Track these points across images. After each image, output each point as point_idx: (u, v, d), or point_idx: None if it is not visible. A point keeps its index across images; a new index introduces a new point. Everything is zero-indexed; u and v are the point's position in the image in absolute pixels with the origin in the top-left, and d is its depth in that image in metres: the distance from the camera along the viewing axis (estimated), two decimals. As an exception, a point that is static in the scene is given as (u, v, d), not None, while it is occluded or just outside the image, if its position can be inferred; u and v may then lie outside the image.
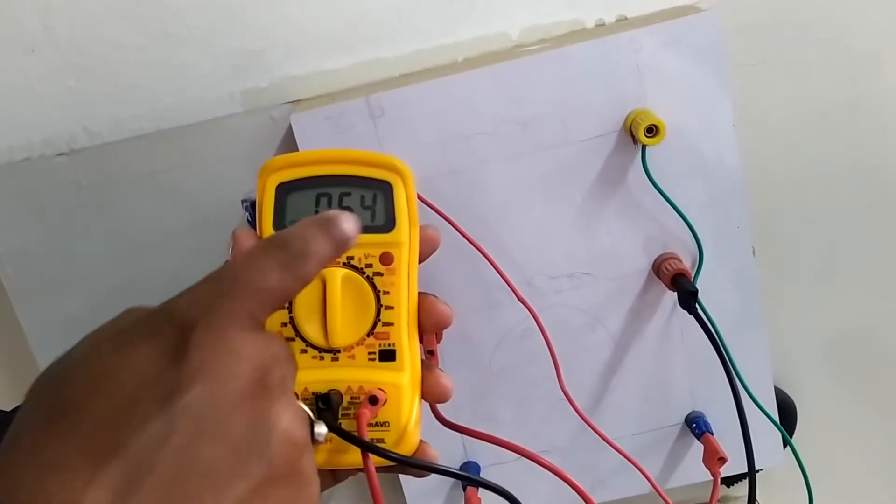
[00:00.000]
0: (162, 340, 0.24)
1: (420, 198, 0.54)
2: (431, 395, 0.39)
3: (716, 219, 0.57)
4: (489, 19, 0.58)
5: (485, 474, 0.62)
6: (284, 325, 0.38)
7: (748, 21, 0.58)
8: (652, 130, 0.53)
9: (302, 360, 0.37)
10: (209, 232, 0.60)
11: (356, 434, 0.35)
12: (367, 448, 0.35)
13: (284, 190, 0.38)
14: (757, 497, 0.69)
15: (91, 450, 0.21)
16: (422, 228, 0.39)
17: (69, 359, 0.24)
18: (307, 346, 0.37)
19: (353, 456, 0.36)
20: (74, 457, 0.21)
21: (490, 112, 0.54)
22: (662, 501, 0.58)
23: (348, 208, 0.37)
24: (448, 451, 0.61)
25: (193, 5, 0.56)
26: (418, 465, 0.37)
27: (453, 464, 0.62)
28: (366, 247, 0.37)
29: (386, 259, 0.38)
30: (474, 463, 0.62)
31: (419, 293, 0.39)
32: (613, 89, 0.54)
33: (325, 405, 0.36)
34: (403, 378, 0.37)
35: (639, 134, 0.53)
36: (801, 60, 0.60)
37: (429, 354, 0.55)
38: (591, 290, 0.58)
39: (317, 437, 0.32)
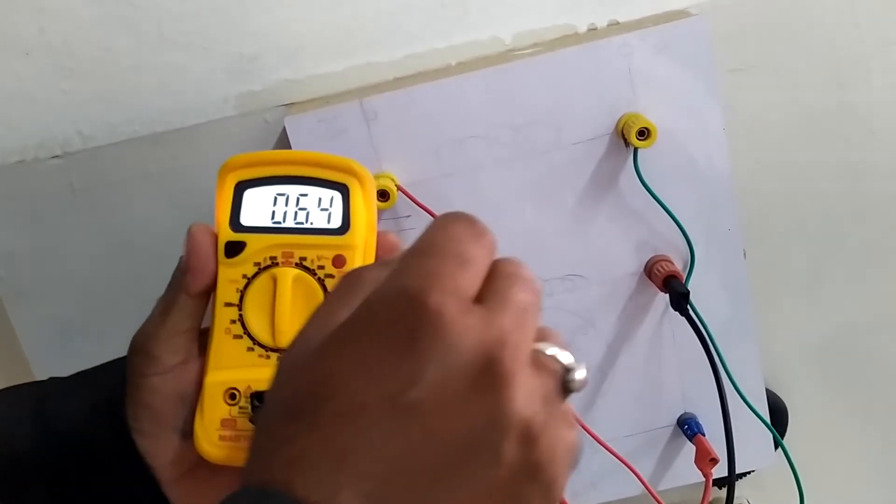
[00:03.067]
0: (394, 332, 0.23)
1: (413, 200, 0.54)
2: None
3: (707, 221, 0.57)
4: (482, 24, 0.58)
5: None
6: (233, 321, 0.37)
7: (738, 26, 0.59)
8: (644, 133, 0.53)
9: (248, 357, 0.37)
10: (203, 235, 0.60)
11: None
12: None
13: (242, 188, 0.38)
14: (748, 498, 0.69)
15: (330, 451, 0.22)
16: (381, 234, 0.39)
17: (303, 353, 0.25)
18: (254, 343, 0.37)
19: None
20: (317, 456, 0.22)
21: (483, 116, 0.55)
22: (655, 503, 0.59)
23: (304, 209, 0.38)
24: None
25: (187, 9, 0.57)
26: None
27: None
28: (319, 248, 0.37)
29: (338, 262, 0.37)
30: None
31: None
32: (605, 93, 0.55)
33: (260, 402, 0.36)
34: None
35: (631, 137, 0.53)
36: (790, 65, 0.60)
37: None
38: (584, 293, 0.59)
39: (574, 385, 0.26)
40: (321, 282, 0.37)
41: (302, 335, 0.26)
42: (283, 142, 0.56)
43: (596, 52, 0.54)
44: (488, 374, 0.23)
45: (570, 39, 0.58)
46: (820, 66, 0.60)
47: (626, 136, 0.54)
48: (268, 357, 0.37)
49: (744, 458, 0.63)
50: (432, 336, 0.23)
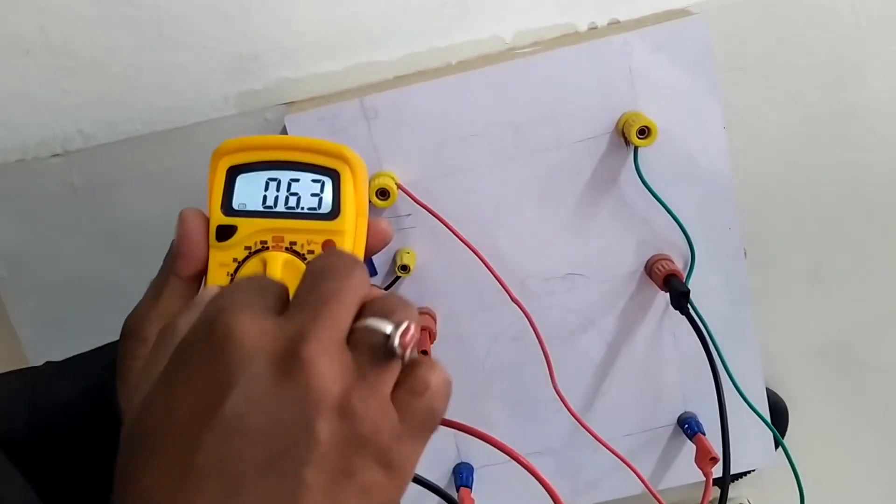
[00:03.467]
0: (201, 355, 0.26)
1: (414, 199, 0.54)
2: None
3: (707, 220, 0.57)
4: (483, 23, 0.58)
5: (478, 475, 0.62)
6: None
7: (738, 26, 0.59)
8: (644, 132, 0.53)
9: None
10: (203, 234, 0.60)
11: None
12: None
13: (234, 173, 0.38)
14: (749, 498, 0.69)
15: (172, 476, 0.24)
16: (374, 221, 0.39)
17: (142, 398, 0.27)
18: None
19: None
20: (164, 484, 0.24)
21: (483, 114, 0.55)
22: (655, 502, 0.59)
23: (296, 194, 0.38)
24: (441, 452, 0.61)
25: (188, 8, 0.57)
26: None
27: (446, 465, 0.62)
28: (309, 233, 0.37)
29: (328, 246, 0.37)
30: (468, 464, 0.62)
31: None
32: (605, 92, 0.55)
33: None
34: None
35: (631, 136, 0.53)
36: (790, 65, 0.60)
37: (422, 354, 0.56)
38: (584, 292, 0.59)
39: (394, 349, 0.26)
40: None
41: (137, 389, 0.28)
42: (284, 140, 0.56)
43: (596, 51, 0.54)
44: (289, 367, 0.25)
45: (571, 38, 0.58)
46: (820, 66, 0.61)
47: (626, 135, 0.54)
48: None
49: (744, 458, 0.64)
50: (230, 349, 0.25)
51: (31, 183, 0.59)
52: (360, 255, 0.39)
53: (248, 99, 0.59)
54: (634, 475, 0.59)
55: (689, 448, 0.61)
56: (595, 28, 0.59)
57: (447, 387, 0.27)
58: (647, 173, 0.55)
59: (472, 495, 0.60)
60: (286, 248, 0.37)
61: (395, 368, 0.26)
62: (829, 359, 0.67)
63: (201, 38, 0.57)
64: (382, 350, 0.26)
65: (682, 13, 0.56)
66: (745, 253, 0.59)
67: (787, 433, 0.66)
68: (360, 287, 0.28)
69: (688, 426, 0.61)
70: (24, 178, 0.59)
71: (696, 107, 0.55)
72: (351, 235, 0.38)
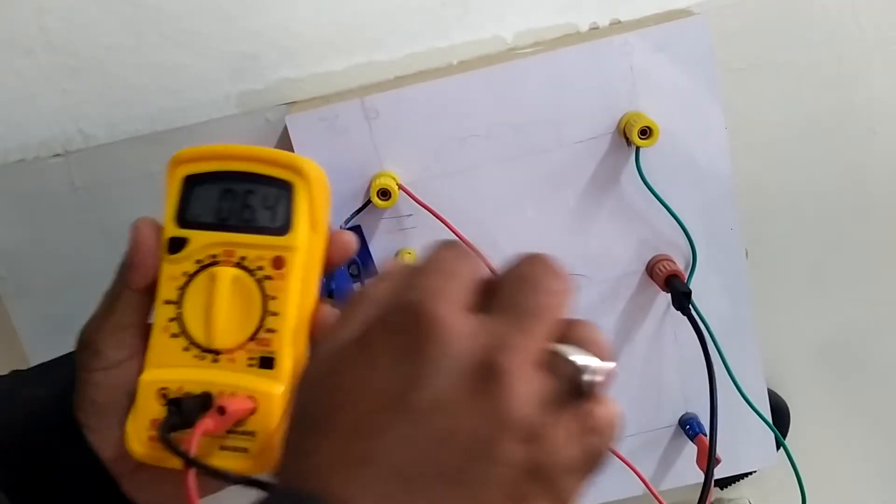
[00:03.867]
0: (398, 342, 0.25)
1: (415, 199, 0.54)
2: None
3: (709, 221, 0.57)
4: (483, 23, 0.58)
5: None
6: (172, 319, 0.37)
7: (739, 26, 0.59)
8: (646, 132, 0.53)
9: (183, 357, 0.36)
10: (204, 234, 0.60)
11: (180, 447, 0.34)
12: (186, 460, 0.33)
13: (191, 183, 0.37)
14: (750, 499, 0.69)
15: (347, 459, 0.24)
16: (336, 235, 0.38)
17: (317, 368, 0.27)
18: (190, 343, 0.36)
19: (176, 462, 0.34)
20: (336, 464, 0.24)
21: (484, 114, 0.55)
22: (656, 503, 0.59)
23: (250, 206, 0.36)
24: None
25: (189, 8, 0.57)
26: (238, 481, 0.34)
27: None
28: (260, 248, 0.36)
29: (278, 263, 0.36)
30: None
31: (321, 302, 0.37)
32: (606, 92, 0.55)
33: (177, 408, 0.35)
34: (278, 388, 0.36)
35: (632, 136, 0.53)
36: (792, 65, 0.60)
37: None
38: (585, 292, 0.59)
39: (584, 386, 0.25)
40: (259, 283, 0.36)
41: (315, 351, 0.28)
42: (285, 140, 0.56)
43: (597, 51, 0.54)
44: (486, 376, 0.24)
45: (572, 38, 0.58)
46: (821, 66, 0.60)
47: (627, 135, 0.54)
48: (202, 358, 0.36)
49: (746, 459, 0.63)
50: (433, 343, 0.24)
51: (32, 183, 0.59)
52: (316, 270, 0.37)
53: (248, 99, 0.59)
54: (636, 476, 0.59)
55: (691, 449, 0.61)
56: (596, 28, 0.59)
57: (620, 426, 0.26)
58: (648, 173, 0.55)
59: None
60: (236, 264, 0.36)
61: (585, 405, 0.25)
62: (830, 359, 0.67)
63: (202, 37, 0.57)
64: (579, 386, 0.25)
65: (684, 13, 0.56)
66: (746, 253, 0.59)
67: (789, 434, 0.66)
68: (566, 309, 0.27)
69: (689, 427, 0.61)
70: (25, 178, 0.59)
71: (697, 107, 0.55)
72: (303, 252, 0.36)
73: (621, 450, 0.59)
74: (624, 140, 0.55)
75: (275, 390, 0.36)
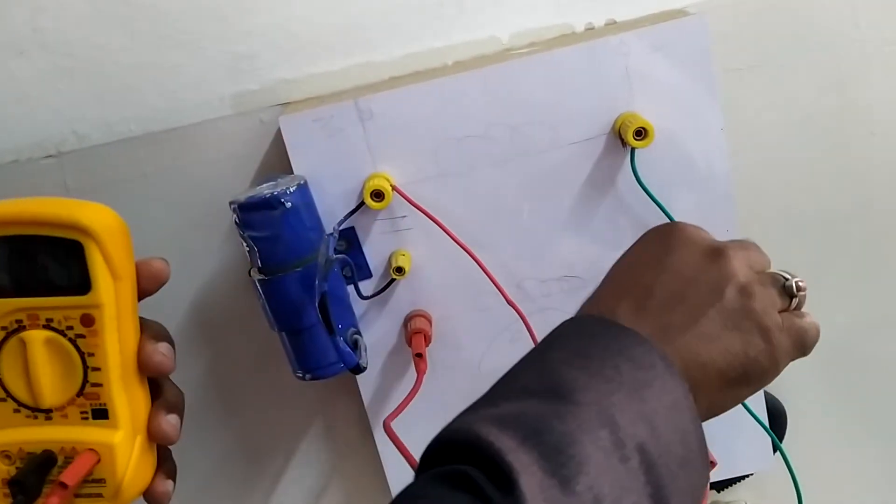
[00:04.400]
0: (655, 239, 0.40)
1: (409, 200, 0.54)
2: (154, 439, 0.39)
3: (705, 222, 0.56)
4: (479, 23, 0.58)
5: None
6: None
7: (737, 26, 0.58)
8: (641, 133, 0.53)
9: (16, 418, 0.37)
10: (199, 234, 0.60)
11: None
12: None
13: None
14: (747, 501, 0.69)
15: (620, 290, 0.37)
16: (144, 263, 0.38)
17: (616, 262, 0.41)
18: (19, 405, 0.37)
19: None
20: (614, 293, 0.37)
21: (480, 115, 0.54)
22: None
23: (44, 268, 0.36)
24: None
25: (183, 8, 0.56)
26: None
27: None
28: (64, 309, 0.36)
29: (87, 321, 0.36)
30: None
31: (143, 338, 0.38)
32: (602, 92, 0.54)
33: (19, 488, 0.36)
34: (117, 436, 0.37)
35: (628, 137, 0.53)
36: (789, 65, 0.60)
37: (417, 357, 0.55)
38: (581, 294, 0.58)
39: (793, 290, 0.38)
40: (73, 342, 0.37)
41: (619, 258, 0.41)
42: (279, 141, 0.56)
43: (593, 51, 0.54)
44: (718, 255, 0.37)
45: (568, 39, 0.57)
46: (819, 66, 0.60)
47: (622, 136, 0.54)
48: (35, 417, 0.37)
49: (742, 462, 0.63)
50: (680, 232, 0.39)
51: (25, 184, 0.59)
52: (129, 313, 0.37)
53: (244, 99, 0.58)
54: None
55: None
56: (592, 28, 0.58)
57: (818, 330, 0.38)
58: (644, 175, 0.55)
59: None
60: (44, 326, 0.36)
61: (786, 302, 0.37)
62: (828, 362, 0.67)
63: (197, 37, 0.57)
64: (783, 286, 0.37)
65: (680, 13, 0.56)
66: (743, 255, 0.58)
67: (786, 436, 0.66)
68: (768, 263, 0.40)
69: (685, 430, 0.60)
70: (18, 179, 0.59)
71: (693, 107, 0.55)
72: (111, 306, 0.36)
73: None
74: (619, 141, 0.55)
75: (114, 438, 0.37)
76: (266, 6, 0.57)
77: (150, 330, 0.39)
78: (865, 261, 0.65)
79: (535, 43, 0.58)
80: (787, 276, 0.38)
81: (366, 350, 0.55)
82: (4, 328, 0.37)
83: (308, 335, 0.52)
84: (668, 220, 0.56)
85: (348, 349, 0.51)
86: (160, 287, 0.39)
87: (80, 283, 0.36)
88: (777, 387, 0.67)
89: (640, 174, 0.54)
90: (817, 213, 0.63)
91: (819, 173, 0.62)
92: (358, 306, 0.57)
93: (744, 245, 0.39)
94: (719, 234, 0.57)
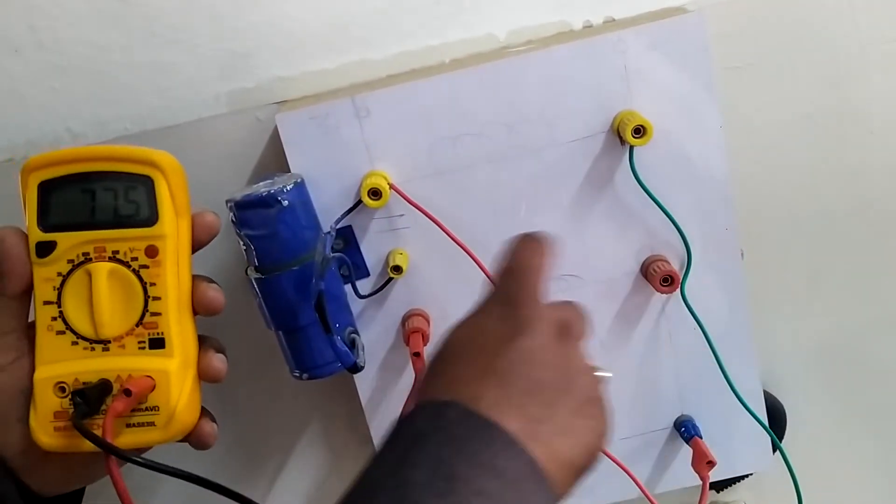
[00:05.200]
0: (500, 313, 0.37)
1: (406, 198, 0.54)
2: (204, 376, 0.41)
3: (704, 221, 0.57)
4: (476, 21, 0.58)
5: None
6: (55, 318, 0.39)
7: (735, 24, 0.58)
8: (639, 131, 0.52)
9: (73, 351, 0.39)
10: (194, 234, 0.60)
11: (96, 433, 0.37)
12: (102, 446, 0.37)
13: (47, 188, 0.39)
14: (746, 501, 0.69)
15: (475, 373, 0.34)
16: (198, 215, 0.41)
17: (451, 331, 0.37)
18: (78, 338, 0.39)
19: (88, 444, 0.38)
20: (470, 376, 0.34)
21: (477, 113, 0.54)
22: (651, 506, 0.58)
23: (112, 203, 0.39)
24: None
25: (179, 6, 0.56)
26: (146, 465, 0.38)
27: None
28: (131, 240, 0.39)
29: (151, 252, 0.39)
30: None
31: (195, 278, 0.41)
32: (600, 90, 0.54)
33: (83, 399, 0.38)
34: (172, 364, 0.39)
35: (626, 135, 0.52)
36: (788, 64, 0.60)
37: (415, 357, 0.55)
38: (579, 293, 0.58)
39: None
40: (136, 273, 0.39)
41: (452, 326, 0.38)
42: (276, 139, 0.56)
43: (591, 49, 0.53)
44: (566, 334, 0.37)
45: (565, 36, 0.57)
46: (818, 65, 0.60)
47: (621, 134, 0.53)
48: (92, 349, 0.39)
49: (742, 461, 0.63)
50: (528, 315, 0.36)
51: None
52: (186, 252, 0.40)
53: (239, 97, 0.58)
54: (631, 479, 0.59)
55: (686, 451, 0.61)
56: (590, 26, 0.58)
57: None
58: (642, 173, 0.54)
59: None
60: (109, 258, 0.39)
61: None
62: (827, 361, 0.67)
63: (192, 35, 0.57)
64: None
65: (678, 11, 0.56)
66: (742, 254, 0.58)
67: (785, 436, 0.65)
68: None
69: (684, 429, 0.60)
70: (14, 177, 0.58)
71: (692, 106, 0.55)
72: (173, 238, 0.39)
73: (616, 452, 0.59)
74: (618, 139, 0.55)
75: (170, 366, 0.39)
76: (261, 4, 0.56)
77: (201, 276, 0.42)
78: (864, 260, 0.65)
79: (532, 41, 0.58)
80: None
81: (363, 349, 0.55)
82: (71, 261, 0.39)
83: (305, 334, 0.52)
84: (668, 218, 0.55)
85: (345, 348, 0.51)
86: (211, 239, 0.41)
87: (148, 215, 0.39)
88: (776, 386, 0.66)
89: (638, 172, 0.54)
90: (816, 211, 0.63)
91: (817, 171, 0.62)
92: (355, 305, 0.57)
93: (580, 316, 0.39)
94: (719, 233, 0.58)
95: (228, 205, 0.52)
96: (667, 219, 0.55)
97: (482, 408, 0.32)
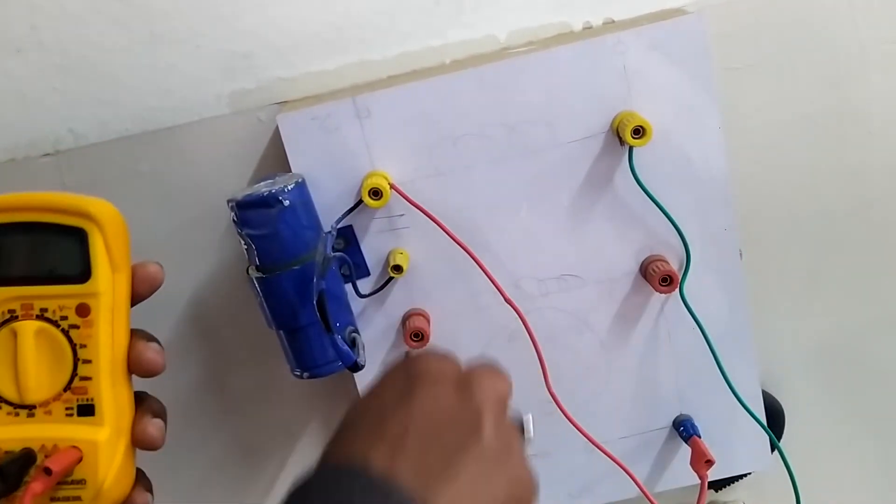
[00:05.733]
0: (397, 378, 0.36)
1: (406, 199, 0.54)
2: (139, 444, 0.38)
3: (703, 221, 0.57)
4: (477, 22, 0.58)
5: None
6: None
7: (735, 25, 0.58)
8: (639, 132, 0.53)
9: None
10: (196, 233, 0.60)
11: None
12: None
13: None
14: (745, 501, 0.69)
15: (370, 435, 0.33)
16: (139, 266, 0.38)
17: (355, 401, 0.37)
18: (1, 402, 0.36)
19: None
20: (364, 439, 0.33)
21: (477, 114, 0.54)
22: (650, 505, 0.58)
23: (41, 257, 0.36)
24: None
25: (180, 6, 0.56)
26: None
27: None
28: (61, 298, 0.36)
29: (83, 310, 0.36)
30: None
31: (133, 335, 0.38)
32: (600, 91, 0.54)
33: (14, 469, 0.35)
34: (102, 433, 0.36)
35: (626, 135, 0.53)
36: (787, 64, 0.60)
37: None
38: (579, 293, 0.58)
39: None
40: (66, 333, 0.36)
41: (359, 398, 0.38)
42: (277, 140, 0.56)
43: (591, 50, 0.54)
44: (467, 386, 0.36)
45: (565, 37, 0.57)
46: (818, 65, 0.60)
47: (620, 135, 0.54)
48: (16, 415, 0.36)
49: (740, 461, 0.63)
50: (425, 372, 0.36)
51: (22, 183, 0.58)
52: (124, 309, 0.37)
53: (240, 98, 0.58)
54: (630, 478, 0.59)
55: (685, 451, 0.61)
56: (590, 27, 0.58)
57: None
58: (642, 173, 0.55)
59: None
60: (37, 316, 0.36)
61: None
62: (826, 361, 0.67)
63: (194, 36, 0.57)
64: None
65: (678, 12, 0.56)
66: (741, 254, 0.58)
67: (784, 435, 0.66)
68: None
69: (683, 429, 0.60)
70: (15, 177, 0.59)
71: (691, 106, 0.55)
72: (108, 296, 0.36)
73: (615, 451, 0.59)
74: (617, 139, 0.55)
75: (99, 436, 0.36)
76: (262, 5, 0.57)
77: (140, 332, 0.39)
78: (863, 260, 0.65)
79: (532, 42, 0.58)
80: (518, 411, 0.38)
81: (364, 348, 0.55)
82: None
83: (306, 333, 0.52)
84: (667, 218, 0.56)
85: (346, 348, 0.51)
86: (153, 292, 0.38)
87: (80, 271, 0.36)
88: (775, 386, 0.67)
89: (637, 173, 0.54)
90: (815, 212, 0.63)
91: (817, 172, 0.62)
92: (356, 305, 0.57)
93: (489, 370, 0.38)
94: (717, 233, 0.58)
95: (230, 204, 0.52)
96: (666, 219, 0.55)
97: (372, 464, 0.31)
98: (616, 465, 0.59)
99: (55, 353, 0.36)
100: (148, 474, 0.39)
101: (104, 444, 0.36)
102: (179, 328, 0.61)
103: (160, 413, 0.39)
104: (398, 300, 0.58)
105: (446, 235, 0.54)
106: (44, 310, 0.36)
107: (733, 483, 0.67)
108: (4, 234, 0.36)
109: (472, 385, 0.35)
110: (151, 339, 0.39)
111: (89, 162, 0.58)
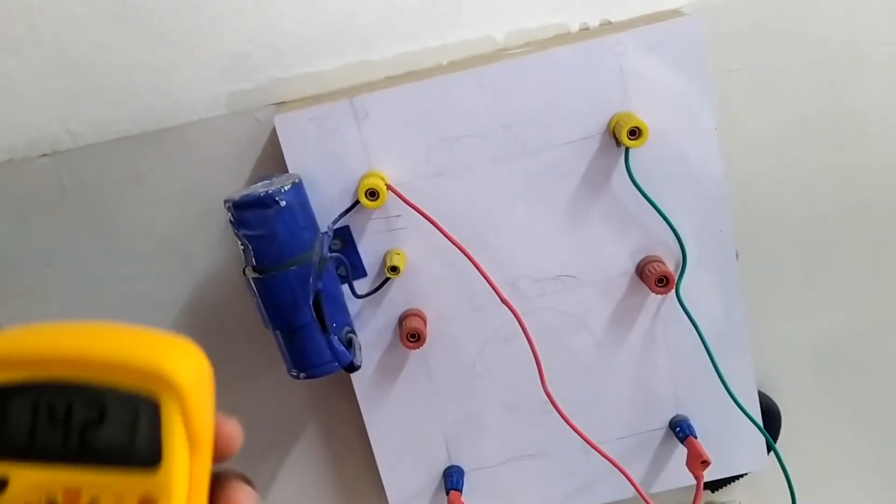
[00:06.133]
0: None
1: (404, 200, 0.54)
2: None
3: (699, 222, 0.57)
4: (474, 23, 0.58)
5: (469, 479, 0.62)
6: None
7: (732, 27, 0.59)
8: (635, 133, 0.53)
9: None
10: (194, 233, 0.60)
11: None
12: None
13: (2, 396, 0.26)
14: (741, 501, 0.69)
15: None
16: (219, 423, 0.28)
17: None
18: None
19: None
20: None
21: (475, 115, 0.54)
22: (646, 505, 0.58)
23: (93, 430, 0.26)
24: (431, 455, 0.61)
25: (179, 7, 0.56)
26: None
27: (437, 468, 0.61)
28: (119, 487, 0.26)
29: None
30: (458, 468, 0.61)
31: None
32: (597, 92, 0.54)
33: None
34: None
35: (622, 136, 0.53)
36: (784, 66, 0.60)
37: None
38: (576, 293, 0.58)
39: None
40: None
41: None
42: (274, 140, 0.56)
43: (588, 51, 0.54)
44: None
45: (563, 39, 0.57)
46: (814, 67, 0.60)
47: (617, 136, 0.54)
48: None
49: (737, 461, 0.63)
50: None
51: (20, 183, 0.59)
52: (201, 492, 0.27)
53: (238, 99, 0.58)
54: (626, 479, 0.59)
55: (681, 451, 0.61)
56: (587, 28, 0.58)
57: None
58: (638, 174, 0.55)
59: (463, 499, 0.59)
60: None
61: None
62: (822, 362, 0.67)
63: (192, 37, 0.57)
64: None
65: (675, 14, 0.56)
66: (737, 255, 0.58)
67: (780, 436, 0.66)
68: None
69: (679, 429, 0.60)
70: (13, 178, 0.59)
71: (688, 107, 0.55)
72: (182, 487, 0.26)
73: (612, 452, 0.59)
74: (614, 140, 0.55)
75: None
76: (261, 6, 0.57)
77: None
78: (858, 261, 0.65)
79: (529, 43, 0.58)
80: None
81: (360, 349, 0.55)
82: None
83: (302, 334, 0.52)
84: (663, 219, 0.56)
85: (343, 348, 0.51)
86: (229, 457, 0.29)
87: (148, 453, 0.26)
88: (771, 387, 0.67)
89: (634, 174, 0.55)
90: (811, 213, 0.63)
91: (813, 173, 0.63)
92: (352, 305, 0.57)
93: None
94: (713, 234, 0.58)
95: (227, 205, 0.52)
96: (662, 220, 0.56)
97: None
98: (612, 466, 0.59)
99: None
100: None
101: None
102: (175, 328, 0.61)
103: None
104: (395, 301, 0.58)
105: (443, 236, 0.54)
106: (95, 499, 0.26)
107: (729, 483, 0.67)
108: (46, 393, 0.26)
109: None
110: None
111: (87, 162, 0.59)
